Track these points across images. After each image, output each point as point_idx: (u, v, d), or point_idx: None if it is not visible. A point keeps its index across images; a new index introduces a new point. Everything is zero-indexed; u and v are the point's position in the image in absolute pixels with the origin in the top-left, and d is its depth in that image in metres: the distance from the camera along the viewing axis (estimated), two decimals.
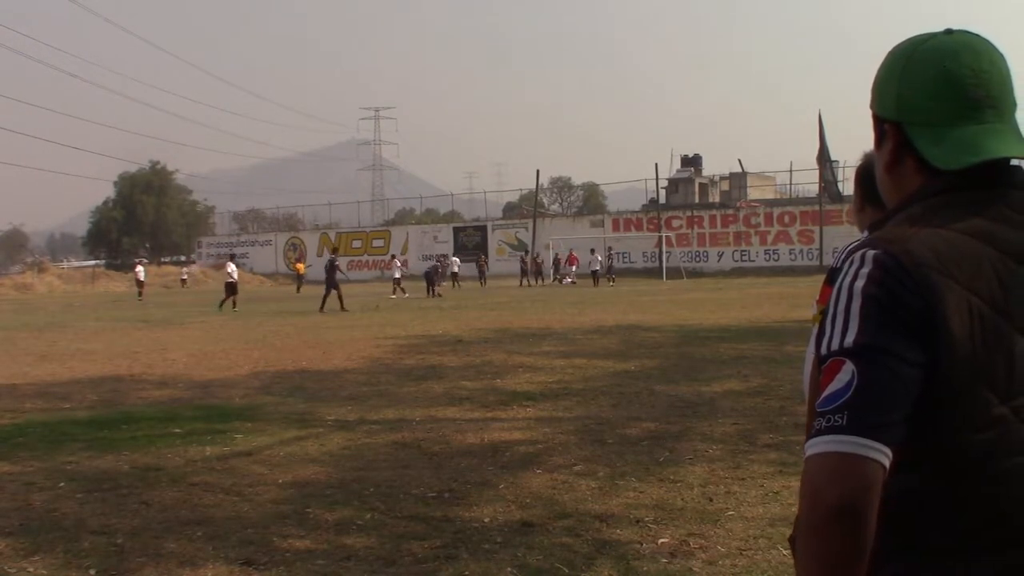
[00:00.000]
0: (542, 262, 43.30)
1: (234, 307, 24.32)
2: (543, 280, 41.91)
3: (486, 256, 48.04)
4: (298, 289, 39.65)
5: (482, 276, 42.15)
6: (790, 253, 43.62)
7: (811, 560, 1.02)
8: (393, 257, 36.44)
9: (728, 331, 14.21)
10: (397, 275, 32.47)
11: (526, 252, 45.20)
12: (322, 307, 22.74)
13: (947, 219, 1.11)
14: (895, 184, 1.22)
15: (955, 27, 1.19)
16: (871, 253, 1.09)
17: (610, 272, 39.19)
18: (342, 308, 22.65)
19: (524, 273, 41.86)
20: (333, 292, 23.32)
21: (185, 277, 50.28)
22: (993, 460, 1.06)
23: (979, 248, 1.08)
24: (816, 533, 1.02)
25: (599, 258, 38.83)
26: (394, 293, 30.99)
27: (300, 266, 44.05)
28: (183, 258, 68.19)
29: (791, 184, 51.36)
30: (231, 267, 26.12)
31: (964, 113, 1.13)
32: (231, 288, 25.18)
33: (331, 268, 24.07)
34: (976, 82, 1.13)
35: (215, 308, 24.48)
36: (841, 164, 45.08)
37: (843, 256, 1.14)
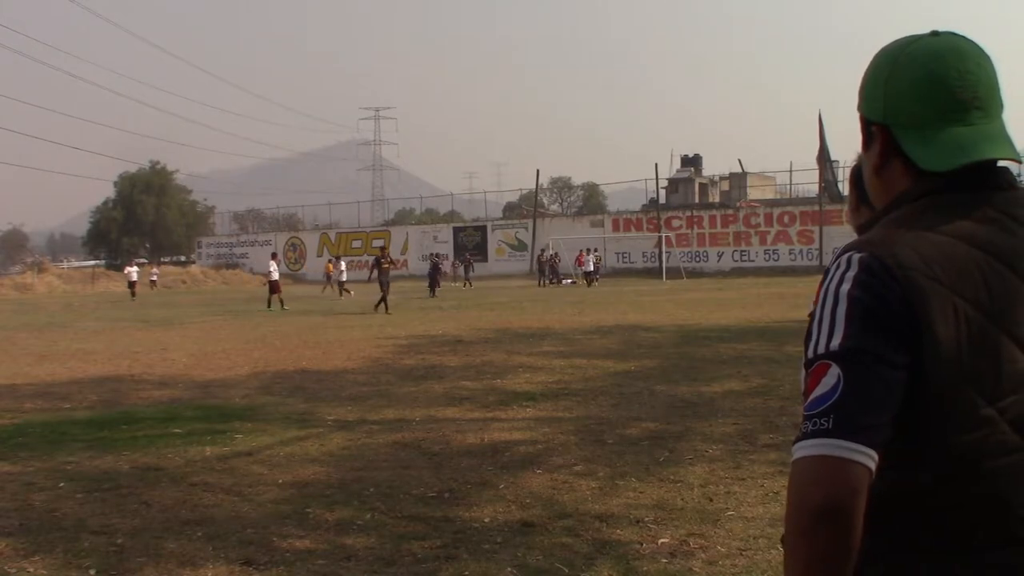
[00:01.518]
0: (560, 261, 42.65)
1: (283, 306, 24.04)
2: (561, 280, 41.08)
3: (476, 254, 47.72)
4: (324, 289, 38.14)
5: (466, 276, 39.86)
6: (790, 253, 43.59)
7: (798, 562, 1.03)
8: (338, 259, 35.68)
9: (728, 331, 14.21)
10: (343, 278, 32.11)
11: (542, 251, 44.25)
12: (385, 308, 21.60)
13: (934, 221, 1.11)
14: (883, 186, 1.22)
15: (945, 29, 1.19)
16: (856, 256, 1.09)
17: (593, 274, 38.78)
18: (382, 309, 21.57)
19: (542, 273, 40.94)
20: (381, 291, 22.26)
21: (155, 278, 47.33)
22: (980, 461, 1.07)
23: (965, 251, 1.08)
24: (803, 535, 1.02)
25: (592, 259, 38.77)
26: (341, 295, 30.50)
27: (330, 266, 42.65)
28: (183, 258, 68.08)
29: (791, 184, 51.36)
30: (272, 265, 26.12)
31: (951, 115, 1.13)
32: (273, 287, 25.12)
33: (378, 267, 23.23)
34: (962, 84, 1.13)
35: (265, 309, 24.23)
36: (841, 164, 45.03)
37: (832, 259, 1.14)
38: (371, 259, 33.47)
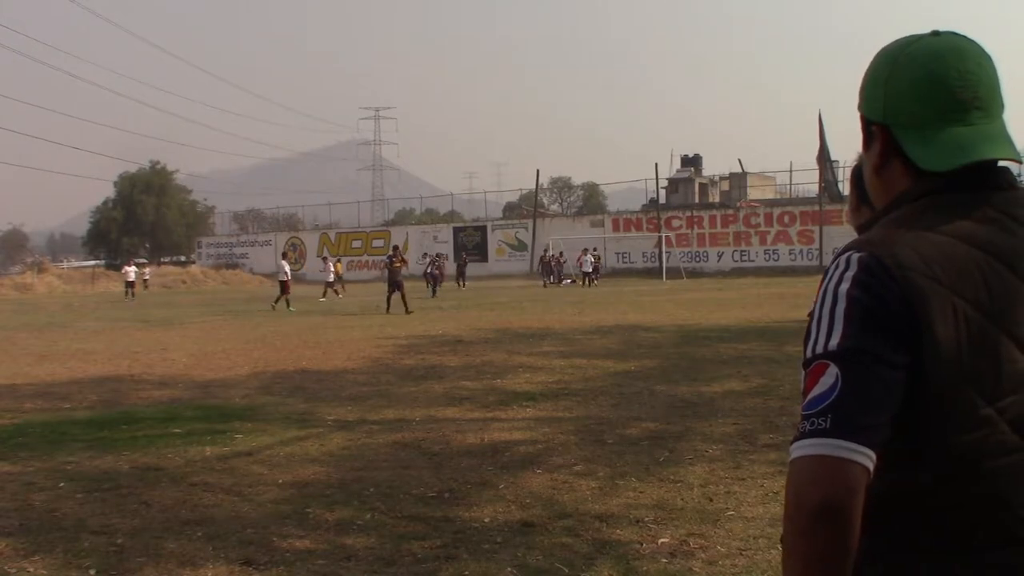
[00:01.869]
0: (565, 261, 42.42)
1: (288, 307, 23.89)
2: (562, 280, 40.76)
3: (475, 255, 47.50)
4: (339, 291, 36.80)
5: (461, 276, 38.19)
6: (790, 253, 43.58)
7: (796, 561, 1.03)
8: (326, 259, 35.20)
9: (728, 331, 14.21)
10: (331, 278, 31.88)
11: (545, 251, 43.90)
12: (386, 307, 21.46)
13: (934, 221, 1.11)
14: (883, 186, 1.22)
15: (945, 29, 1.19)
16: (856, 256, 1.09)
17: (591, 274, 38.67)
18: (406, 307, 21.10)
19: (548, 272, 40.64)
20: (395, 292, 21.75)
21: (147, 278, 45.69)
22: (980, 461, 1.07)
23: (965, 251, 1.08)
24: (801, 535, 1.03)
25: (590, 259, 38.73)
26: (324, 295, 30.00)
27: (339, 266, 41.74)
28: (183, 258, 68.00)
29: (791, 184, 51.37)
30: (285, 266, 26.13)
31: (951, 115, 1.13)
32: (284, 287, 25.04)
33: (389, 265, 22.70)
34: (962, 84, 1.13)
35: (269, 308, 24.22)
36: (841, 164, 45.07)
37: (832, 259, 1.14)
38: (371, 259, 32.79)
